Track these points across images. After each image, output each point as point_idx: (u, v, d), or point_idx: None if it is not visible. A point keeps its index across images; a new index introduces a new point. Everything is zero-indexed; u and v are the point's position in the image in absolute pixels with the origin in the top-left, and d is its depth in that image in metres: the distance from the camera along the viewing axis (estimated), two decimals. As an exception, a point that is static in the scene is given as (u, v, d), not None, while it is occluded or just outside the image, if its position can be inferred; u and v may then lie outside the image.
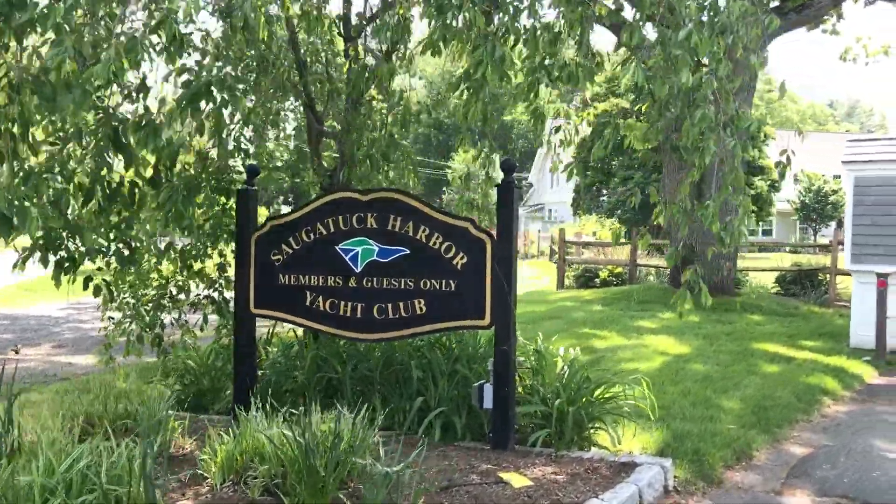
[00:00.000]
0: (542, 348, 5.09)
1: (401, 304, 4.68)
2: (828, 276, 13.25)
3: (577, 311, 11.16)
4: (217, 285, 5.91)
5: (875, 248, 9.08)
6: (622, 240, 17.33)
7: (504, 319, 4.46)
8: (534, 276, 20.07)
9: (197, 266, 5.83)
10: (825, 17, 17.65)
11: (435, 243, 4.62)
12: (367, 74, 5.82)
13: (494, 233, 4.54)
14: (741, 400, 6.07)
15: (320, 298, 4.86)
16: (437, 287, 4.61)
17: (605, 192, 44.81)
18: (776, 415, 5.70)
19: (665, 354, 8.02)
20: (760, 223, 44.21)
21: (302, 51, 5.97)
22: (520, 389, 4.81)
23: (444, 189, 64.96)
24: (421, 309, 4.64)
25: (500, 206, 4.58)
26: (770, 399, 6.12)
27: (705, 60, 4.81)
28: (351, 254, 4.81)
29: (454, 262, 4.58)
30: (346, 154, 5.96)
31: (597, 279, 16.34)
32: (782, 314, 11.46)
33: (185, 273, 5.84)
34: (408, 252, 4.69)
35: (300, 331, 5.48)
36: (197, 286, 5.93)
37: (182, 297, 5.96)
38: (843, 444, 5.22)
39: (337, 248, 4.83)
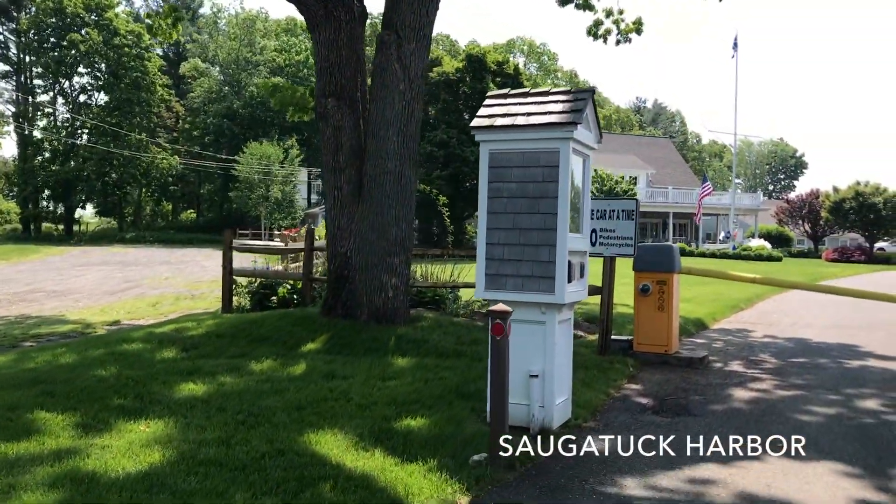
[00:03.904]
0: None
1: None
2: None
3: (112, 365, 7.01)
4: None
5: (518, 266, 5.68)
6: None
7: None
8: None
9: None
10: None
11: None
12: None
13: None
14: None
15: None
16: None
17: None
18: None
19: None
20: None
21: None
22: None
23: (232, 184, 58.64)
24: None
25: None
26: None
27: None
28: None
29: None
30: None
31: (274, 297, 12.39)
32: (448, 353, 8.03)
33: None
34: None
35: None
36: None
37: None
38: None
39: None
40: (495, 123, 5.70)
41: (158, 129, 66.97)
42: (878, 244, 51.39)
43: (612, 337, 9.32)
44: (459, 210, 42.92)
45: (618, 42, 16.40)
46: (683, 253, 45.67)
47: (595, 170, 49.26)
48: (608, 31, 16.39)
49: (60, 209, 66.68)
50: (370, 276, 8.94)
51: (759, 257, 42.98)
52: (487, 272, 5.76)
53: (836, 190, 51.93)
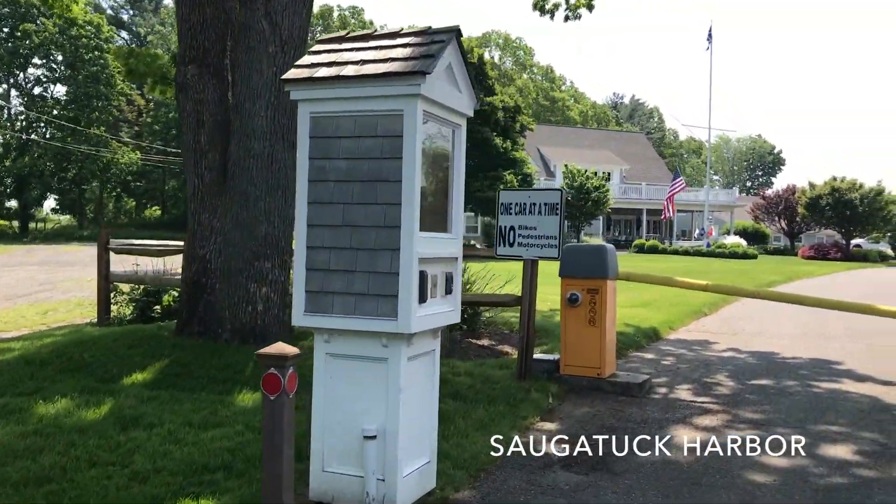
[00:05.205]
0: None
1: None
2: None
3: None
4: None
5: (349, 280, 3.99)
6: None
7: None
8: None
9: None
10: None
11: None
12: None
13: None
14: None
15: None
16: None
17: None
18: None
19: None
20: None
21: None
22: None
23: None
24: None
25: None
26: None
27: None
28: None
29: None
30: None
31: (158, 306, 10.64)
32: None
33: None
34: None
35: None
36: None
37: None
38: None
39: None
40: (315, 74, 3.99)
41: (120, 124, 64.47)
42: (855, 241, 50.39)
43: (536, 356, 7.68)
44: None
45: (566, 18, 14.76)
46: (655, 251, 44.29)
47: (566, 165, 47.75)
48: (556, 6, 14.78)
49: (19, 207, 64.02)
50: (233, 284, 7.21)
51: (734, 255, 41.70)
52: (308, 288, 4.06)
53: (812, 186, 50.84)
